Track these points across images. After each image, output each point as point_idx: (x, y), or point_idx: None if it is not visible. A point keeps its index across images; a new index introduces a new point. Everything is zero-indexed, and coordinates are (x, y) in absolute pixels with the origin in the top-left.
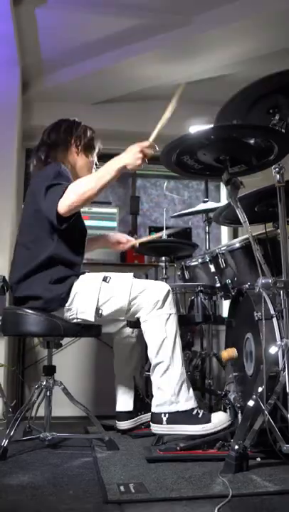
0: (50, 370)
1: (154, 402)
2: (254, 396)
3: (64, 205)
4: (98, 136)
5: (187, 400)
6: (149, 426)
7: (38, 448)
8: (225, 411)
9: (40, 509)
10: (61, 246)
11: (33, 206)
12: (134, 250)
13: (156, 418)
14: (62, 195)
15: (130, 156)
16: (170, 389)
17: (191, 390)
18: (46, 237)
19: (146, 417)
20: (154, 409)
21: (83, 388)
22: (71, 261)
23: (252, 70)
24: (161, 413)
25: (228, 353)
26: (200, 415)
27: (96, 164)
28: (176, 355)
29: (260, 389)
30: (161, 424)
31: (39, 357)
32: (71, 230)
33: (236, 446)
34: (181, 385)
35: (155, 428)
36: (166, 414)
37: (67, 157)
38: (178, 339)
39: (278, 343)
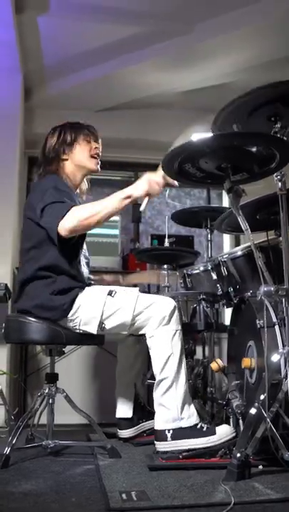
0: (53, 378)
1: (157, 419)
2: (256, 404)
3: (64, 228)
4: (102, 144)
5: (190, 417)
6: (151, 433)
7: (41, 455)
8: (227, 419)
9: None
10: (61, 256)
11: (32, 217)
12: (137, 258)
13: (161, 436)
14: (63, 216)
15: (143, 185)
16: (174, 406)
17: (192, 406)
18: (46, 247)
19: (148, 424)
20: (157, 426)
21: (86, 396)
22: (73, 271)
23: (253, 78)
24: (165, 430)
25: (218, 363)
26: (204, 429)
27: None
28: (181, 371)
29: (262, 397)
30: (166, 440)
31: (41, 364)
32: (70, 242)
33: (238, 454)
34: (185, 402)
35: (160, 446)
36: (170, 431)
37: (65, 163)
38: (183, 355)
39: (280, 350)
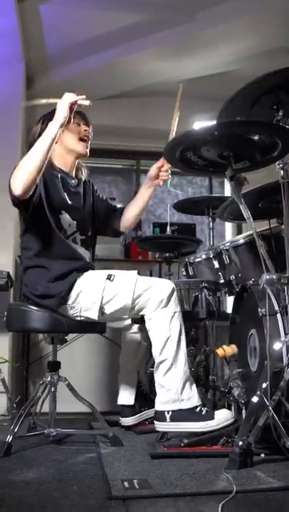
0: (55, 366)
1: (157, 401)
2: (258, 392)
3: (16, 185)
4: (103, 132)
5: (190, 398)
6: (153, 422)
7: (43, 444)
8: (229, 407)
9: (45, 505)
10: (46, 237)
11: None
12: (138, 246)
13: (160, 416)
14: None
15: (59, 112)
16: (173, 387)
17: (194, 387)
18: (30, 233)
19: (150, 412)
20: (157, 407)
21: (88, 384)
22: (65, 251)
23: (255, 66)
24: (165, 411)
25: (226, 350)
26: (203, 412)
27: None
28: (180, 353)
29: (264, 385)
30: (165, 421)
31: (43, 353)
32: (45, 220)
33: (240, 443)
34: (185, 383)
35: (159, 426)
36: (170, 412)
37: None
38: (182, 337)
39: (282, 338)
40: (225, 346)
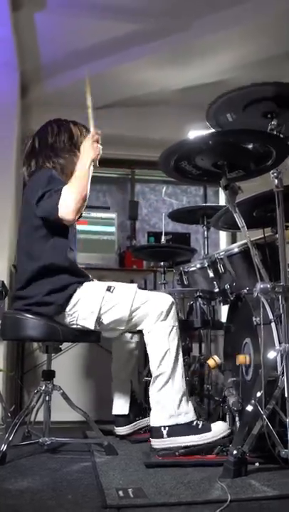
0: (50, 375)
1: (153, 416)
2: (253, 401)
3: (68, 212)
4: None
5: (187, 413)
6: (148, 430)
7: (37, 453)
8: (224, 416)
9: None
10: (58, 253)
11: (29, 215)
12: (133, 255)
13: (156, 433)
14: (59, 202)
15: (90, 151)
16: (170, 402)
17: (190, 403)
18: (43, 244)
19: (144, 421)
20: (153, 423)
21: (82, 393)
22: (71, 266)
23: (250, 75)
24: (161, 427)
25: (215, 360)
26: (200, 426)
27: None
28: (178, 367)
29: (258, 394)
30: (162, 438)
31: (38, 361)
32: (65, 233)
33: (235, 451)
34: (181, 398)
35: (155, 443)
36: (166, 428)
37: (58, 160)
38: (180, 351)
39: (277, 347)
40: (214, 356)
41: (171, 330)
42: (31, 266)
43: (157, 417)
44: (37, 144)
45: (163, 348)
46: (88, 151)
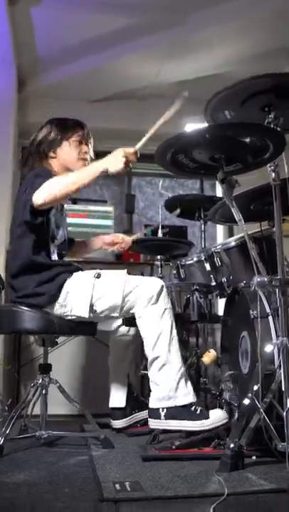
0: (46, 369)
1: (151, 398)
2: (249, 394)
3: (39, 197)
4: (95, 134)
5: (186, 395)
6: (144, 424)
7: (34, 446)
8: (221, 409)
9: (36, 507)
10: (38, 251)
11: (16, 213)
12: (130, 249)
13: (154, 413)
14: (35, 190)
15: (113, 161)
16: (168, 384)
17: (189, 384)
18: (23, 242)
19: (141, 415)
20: (151, 404)
21: (79, 386)
22: (54, 263)
23: (247, 69)
24: (159, 408)
25: (210, 357)
26: (198, 411)
27: (92, 158)
28: (173, 349)
29: (255, 387)
30: (159, 419)
31: (35, 355)
32: (44, 231)
33: (232, 445)
34: (179, 380)
35: (153, 423)
36: (164, 410)
37: (53, 161)
38: (174, 333)
39: (274, 341)
40: (208, 352)
41: (163, 312)
42: (15, 263)
43: (156, 398)
44: (31, 146)
45: (156, 331)
46: (112, 160)
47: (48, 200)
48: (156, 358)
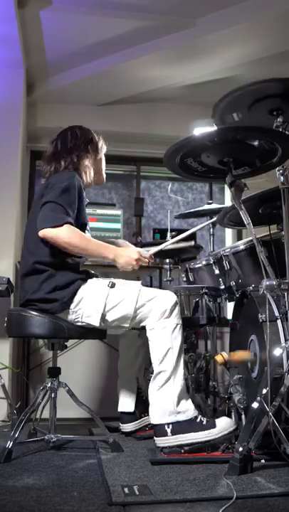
0: (55, 372)
1: (153, 414)
2: (258, 398)
3: (51, 236)
4: (104, 138)
5: (185, 411)
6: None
7: (43, 450)
8: (229, 413)
9: (45, 511)
10: (55, 249)
11: (37, 210)
12: None
13: (160, 431)
14: (56, 226)
15: (127, 260)
16: (170, 400)
17: (189, 400)
18: (41, 240)
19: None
20: (155, 420)
21: (88, 390)
22: (72, 262)
23: (255, 72)
24: (164, 425)
25: (223, 356)
26: (204, 422)
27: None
28: (179, 365)
29: (264, 391)
30: (166, 436)
31: (44, 359)
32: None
33: (240, 448)
34: (181, 396)
35: (160, 442)
36: (170, 426)
37: (84, 163)
38: (182, 350)
39: (283, 344)
40: (223, 353)
41: (175, 328)
42: (29, 260)
43: (158, 415)
44: (58, 148)
45: (165, 346)
46: (126, 259)
47: (56, 244)
48: (162, 372)
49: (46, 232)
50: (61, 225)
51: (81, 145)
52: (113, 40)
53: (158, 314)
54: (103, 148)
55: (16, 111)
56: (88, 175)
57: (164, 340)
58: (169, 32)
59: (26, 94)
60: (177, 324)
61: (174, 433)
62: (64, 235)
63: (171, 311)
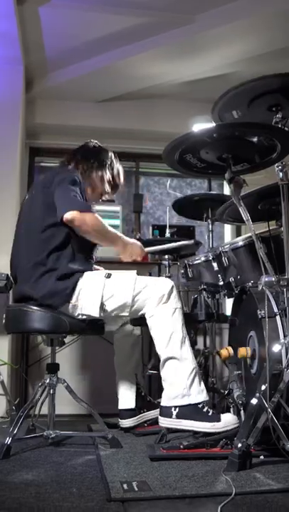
0: (54, 368)
1: (164, 397)
2: (257, 394)
3: (79, 219)
4: (103, 134)
5: (199, 393)
6: (152, 423)
7: (42, 446)
8: (228, 409)
9: (44, 507)
10: (71, 237)
11: (44, 197)
12: None
13: (166, 411)
14: (81, 211)
15: (129, 253)
16: (182, 382)
17: (202, 383)
18: (57, 227)
19: (149, 414)
20: (164, 402)
21: (86, 386)
22: (80, 253)
23: (254, 69)
24: (172, 406)
25: (229, 351)
26: (210, 413)
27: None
28: (186, 348)
29: (263, 387)
30: (170, 417)
31: (42, 355)
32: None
33: (239, 445)
34: (194, 378)
35: (163, 421)
36: (177, 409)
37: (92, 177)
38: (185, 332)
39: (281, 341)
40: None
41: (174, 312)
42: (28, 256)
43: (168, 397)
44: (77, 154)
45: (168, 331)
46: (133, 251)
47: (79, 227)
48: (170, 357)
49: (74, 215)
50: (87, 211)
51: (99, 159)
52: (112, 36)
53: (156, 300)
54: (112, 166)
55: (15, 107)
56: (89, 189)
57: (166, 324)
58: (168, 28)
59: (25, 90)
60: (176, 308)
61: (179, 416)
62: (93, 221)
63: (169, 295)
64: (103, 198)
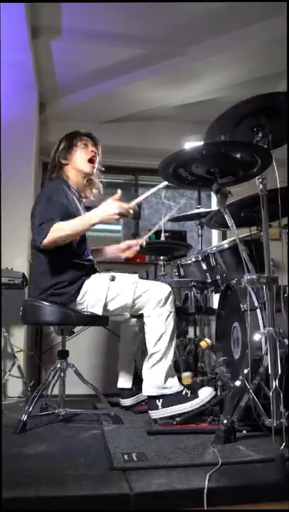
0: (64, 354)
1: (146, 386)
2: (240, 377)
3: (49, 245)
4: (106, 152)
5: (172, 386)
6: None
7: (53, 422)
8: (215, 390)
9: (55, 475)
10: (67, 251)
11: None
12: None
13: (153, 405)
14: (45, 234)
15: (105, 214)
16: (161, 376)
17: (175, 377)
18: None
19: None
20: (146, 392)
21: (92, 370)
22: (80, 263)
23: (239, 94)
24: (156, 399)
25: (207, 342)
26: (188, 395)
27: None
28: (171, 348)
29: (245, 371)
30: (158, 409)
31: (54, 343)
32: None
33: (225, 421)
34: (168, 374)
35: (153, 414)
36: (160, 400)
37: (67, 168)
38: (174, 334)
39: (262, 330)
40: (206, 339)
41: (168, 315)
42: (40, 261)
43: (150, 387)
44: (51, 161)
45: (160, 330)
46: (104, 212)
47: (52, 244)
48: (156, 352)
49: (44, 243)
50: (48, 232)
51: (62, 151)
52: (115, 66)
53: (154, 303)
54: (80, 141)
55: (30, 128)
56: (72, 180)
57: (159, 325)
58: (164, 59)
59: (39, 112)
60: (170, 312)
61: (164, 406)
62: (59, 232)
63: (166, 299)
64: (94, 156)
